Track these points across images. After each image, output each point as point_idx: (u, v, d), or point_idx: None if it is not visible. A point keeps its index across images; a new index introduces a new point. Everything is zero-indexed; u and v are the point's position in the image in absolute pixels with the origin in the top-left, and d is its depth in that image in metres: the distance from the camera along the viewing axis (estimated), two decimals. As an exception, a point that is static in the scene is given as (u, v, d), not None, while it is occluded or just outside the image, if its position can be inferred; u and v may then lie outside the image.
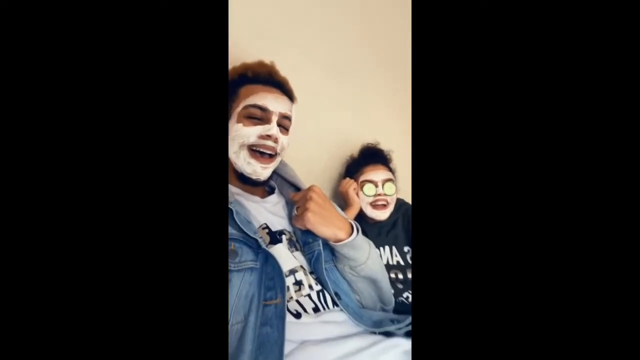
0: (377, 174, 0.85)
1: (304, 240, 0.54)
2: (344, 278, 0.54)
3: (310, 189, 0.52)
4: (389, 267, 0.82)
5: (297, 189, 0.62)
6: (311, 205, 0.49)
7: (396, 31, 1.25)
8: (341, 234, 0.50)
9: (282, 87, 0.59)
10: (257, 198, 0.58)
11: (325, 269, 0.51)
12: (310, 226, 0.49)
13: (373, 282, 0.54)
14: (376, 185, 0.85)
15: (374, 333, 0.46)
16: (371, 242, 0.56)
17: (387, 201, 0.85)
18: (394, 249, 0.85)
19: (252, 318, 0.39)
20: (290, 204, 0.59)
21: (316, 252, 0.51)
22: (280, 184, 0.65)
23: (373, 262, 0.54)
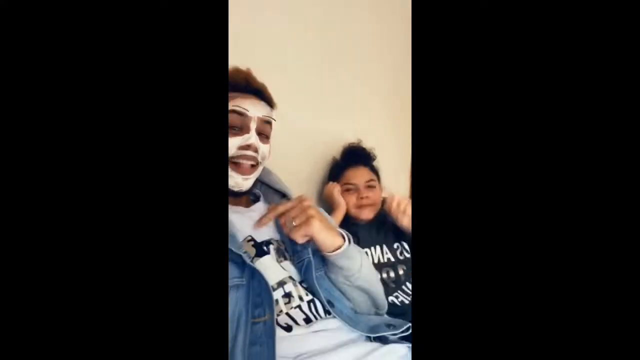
0: (358, 176, 0.86)
1: (293, 248, 0.53)
2: (338, 288, 0.53)
3: (301, 198, 0.49)
4: (380, 266, 0.82)
5: (283, 195, 0.61)
6: (312, 211, 0.47)
7: (374, 30, 1.25)
8: (339, 241, 0.49)
9: (261, 94, 0.57)
10: (241, 208, 0.56)
11: (316, 276, 0.50)
12: (315, 233, 0.47)
13: (367, 290, 0.54)
14: (358, 190, 0.85)
15: (369, 339, 0.45)
16: (361, 250, 0.55)
17: (371, 203, 0.85)
18: (384, 247, 0.86)
19: (240, 338, 0.38)
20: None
21: (306, 260, 0.50)
22: (265, 191, 0.63)
23: (366, 271, 0.53)
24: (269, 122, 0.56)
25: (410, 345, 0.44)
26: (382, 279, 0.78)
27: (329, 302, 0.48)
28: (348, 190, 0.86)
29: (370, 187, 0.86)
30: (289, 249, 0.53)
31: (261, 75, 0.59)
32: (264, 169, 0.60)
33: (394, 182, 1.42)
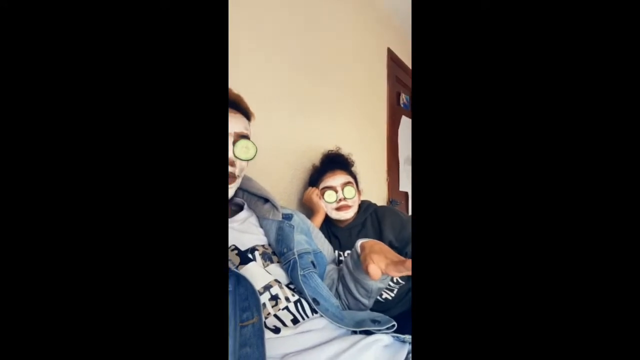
0: (335, 179, 0.89)
1: (279, 250, 0.54)
2: (347, 295, 0.55)
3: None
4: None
5: (266, 200, 0.62)
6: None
7: (351, 44, 1.30)
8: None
9: (237, 106, 0.58)
10: None
11: (304, 275, 0.51)
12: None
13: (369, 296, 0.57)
14: (336, 191, 0.88)
15: (355, 332, 0.48)
16: None
17: (349, 204, 0.88)
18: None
19: (230, 342, 0.39)
20: (260, 217, 0.59)
21: (292, 260, 0.52)
22: (249, 199, 0.64)
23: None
24: (246, 136, 0.58)
25: (395, 335, 0.46)
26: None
27: (314, 300, 0.50)
28: (326, 191, 0.87)
29: (348, 188, 0.88)
30: (275, 252, 0.54)
31: (238, 87, 0.61)
32: (245, 176, 0.61)
33: (372, 187, 1.47)
